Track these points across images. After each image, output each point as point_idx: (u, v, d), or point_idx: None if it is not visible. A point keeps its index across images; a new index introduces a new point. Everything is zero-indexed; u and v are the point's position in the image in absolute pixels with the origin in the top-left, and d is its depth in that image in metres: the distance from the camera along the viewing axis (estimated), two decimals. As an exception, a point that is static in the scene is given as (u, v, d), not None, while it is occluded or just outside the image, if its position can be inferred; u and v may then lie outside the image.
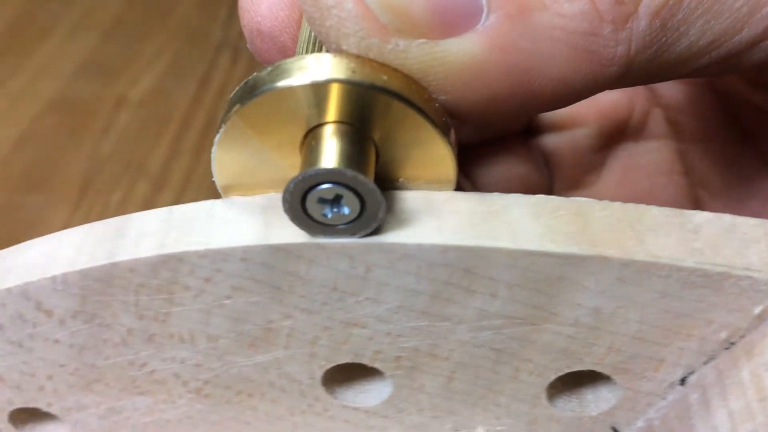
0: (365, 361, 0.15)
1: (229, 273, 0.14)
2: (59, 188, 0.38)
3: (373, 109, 0.14)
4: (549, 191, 0.14)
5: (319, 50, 0.15)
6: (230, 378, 0.16)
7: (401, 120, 0.14)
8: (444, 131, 0.14)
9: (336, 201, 0.13)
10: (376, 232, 0.13)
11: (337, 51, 0.14)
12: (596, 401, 0.17)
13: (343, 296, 0.14)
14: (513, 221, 0.14)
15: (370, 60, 0.14)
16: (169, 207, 0.15)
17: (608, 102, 0.23)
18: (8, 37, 0.48)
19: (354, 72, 0.13)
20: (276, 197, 0.14)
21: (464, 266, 0.14)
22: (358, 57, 0.14)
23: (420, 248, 0.13)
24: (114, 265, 0.14)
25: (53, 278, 0.14)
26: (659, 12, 0.14)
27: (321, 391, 0.16)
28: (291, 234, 0.13)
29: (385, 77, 0.13)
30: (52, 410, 0.17)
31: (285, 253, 0.14)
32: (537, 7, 0.14)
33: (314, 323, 0.15)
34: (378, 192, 0.13)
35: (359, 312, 0.14)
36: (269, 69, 0.14)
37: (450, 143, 0.14)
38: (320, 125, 0.14)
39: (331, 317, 0.15)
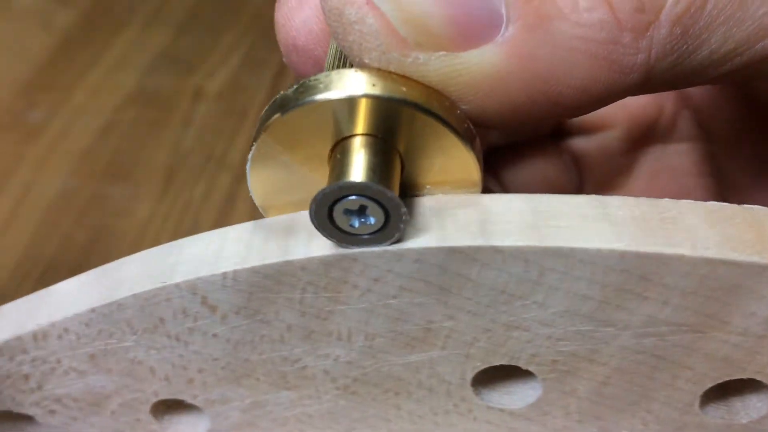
0: (521, 363, 0.15)
1: (400, 273, 0.14)
2: (144, 179, 0.39)
3: (395, 121, 0.14)
4: (577, 193, 0.14)
5: (344, 63, 0.15)
6: (380, 376, 0.16)
7: (423, 129, 0.14)
8: (466, 138, 0.14)
9: (361, 211, 0.14)
10: (398, 242, 0.14)
11: (361, 65, 0.14)
12: (745, 409, 0.16)
13: (510, 299, 0.14)
14: (690, 228, 0.14)
15: (391, 73, 0.14)
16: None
17: (637, 105, 0.23)
18: (85, 28, 0.49)
19: (374, 86, 0.14)
20: (446, 200, 0.14)
21: (640, 273, 0.14)
22: (378, 71, 0.14)
23: (599, 254, 0.13)
24: (288, 263, 0.14)
25: (224, 275, 0.15)
26: (680, 19, 0.14)
27: (469, 392, 0.16)
28: (469, 237, 0.13)
29: (404, 89, 0.14)
30: (196, 402, 0.18)
31: (461, 255, 0.14)
32: (556, 17, 0.14)
33: (476, 325, 0.15)
34: (401, 204, 0.13)
35: (523, 315, 0.14)
36: (294, 87, 0.14)
37: (472, 149, 0.14)
38: (345, 138, 0.14)
39: (494, 320, 0.15)
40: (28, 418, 0.19)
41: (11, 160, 0.40)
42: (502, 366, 0.16)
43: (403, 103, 0.14)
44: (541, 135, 0.24)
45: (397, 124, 0.14)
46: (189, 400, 0.18)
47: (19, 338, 0.17)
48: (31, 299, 0.18)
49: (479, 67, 0.14)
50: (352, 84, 0.14)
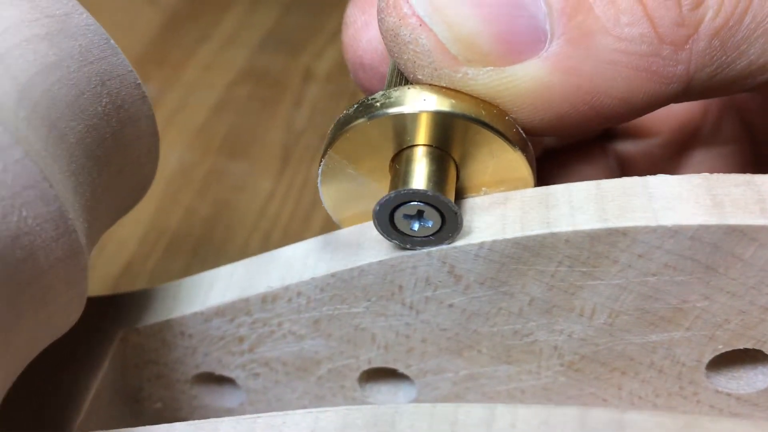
0: (765, 348, 0.15)
1: (669, 250, 0.14)
2: (260, 157, 0.39)
3: (448, 131, 0.15)
4: None
5: (403, 79, 0.17)
6: (611, 355, 0.16)
7: (474, 137, 0.15)
8: (514, 141, 0.15)
9: (420, 215, 0.15)
10: (452, 242, 0.15)
11: (415, 81, 0.15)
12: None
13: (778, 281, 0.14)
14: None
15: (442, 88, 0.15)
16: (595, 181, 0.15)
17: (682, 110, 0.23)
18: (192, 4, 0.49)
19: (425, 101, 0.15)
20: (717, 179, 0.14)
21: None
22: (431, 86, 0.15)
23: None
24: (553, 235, 0.14)
25: (481, 245, 0.15)
26: (719, 32, 0.14)
27: (700, 375, 0.16)
28: (749, 216, 0.13)
29: (454, 101, 0.15)
30: (408, 372, 0.18)
31: (739, 234, 0.13)
32: (598, 32, 0.14)
33: (731, 306, 0.15)
34: (456, 209, 0.15)
35: (785, 298, 0.14)
36: (355, 106, 0.16)
37: (522, 150, 0.15)
38: (403, 150, 0.16)
39: (753, 302, 0.15)
40: (228, 381, 0.20)
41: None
42: (733, 350, 0.16)
43: (453, 115, 0.15)
44: (590, 139, 0.24)
45: (449, 134, 0.15)
46: (401, 369, 0.18)
47: (245, 300, 0.17)
48: (255, 262, 0.18)
49: (525, 81, 0.15)
50: (405, 101, 0.15)
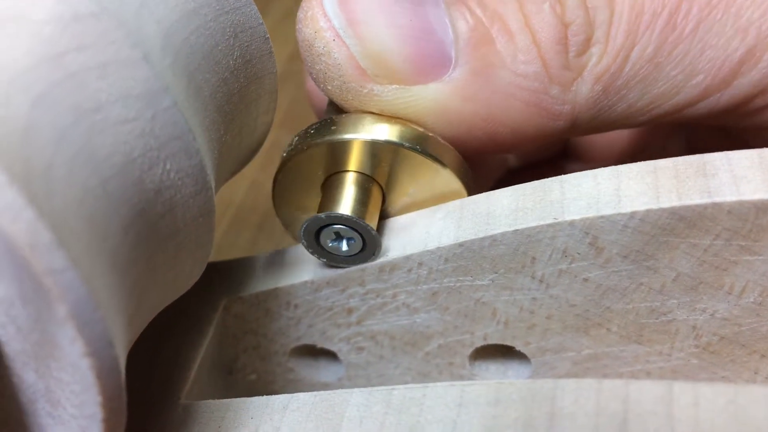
0: None
1: None
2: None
3: (374, 158, 0.16)
4: None
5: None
6: (753, 336, 0.15)
7: (404, 160, 0.16)
8: (442, 159, 0.16)
9: (343, 237, 0.16)
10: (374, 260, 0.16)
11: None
12: None
13: None
14: None
15: (370, 115, 0.16)
16: (756, 150, 0.14)
17: (629, 132, 0.24)
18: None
19: (355, 130, 0.16)
20: None
21: None
22: (361, 115, 0.16)
23: None
24: (715, 205, 0.13)
25: (632, 215, 0.14)
26: (601, 78, 0.16)
27: None
28: None
29: (378, 129, 0.16)
30: (526, 350, 0.17)
31: None
32: (498, 65, 0.15)
33: None
34: (374, 233, 0.16)
35: None
36: (297, 136, 0.17)
37: (450, 167, 0.16)
38: (332, 175, 0.17)
39: None
40: (326, 354, 0.19)
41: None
42: None
43: (376, 143, 0.16)
44: (548, 158, 0.25)
45: (375, 160, 0.16)
46: (519, 347, 0.17)
47: (361, 269, 0.16)
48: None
49: (427, 102, 0.16)
50: (337, 130, 0.16)
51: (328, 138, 0.16)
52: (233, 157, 0.16)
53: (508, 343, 0.17)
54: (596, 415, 0.11)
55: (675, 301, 0.15)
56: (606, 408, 0.11)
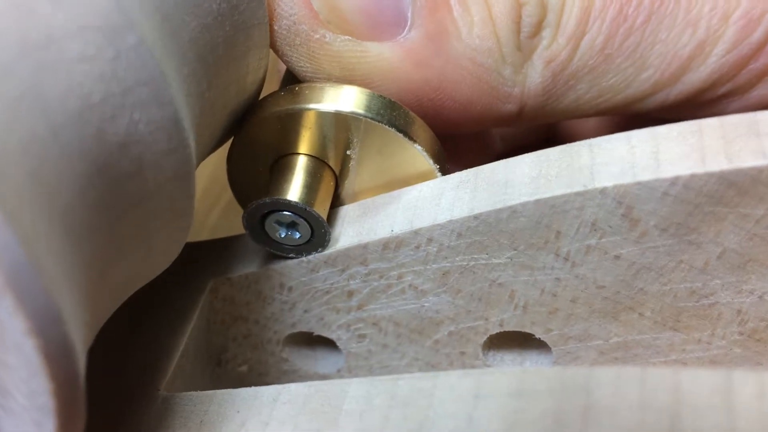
0: None
1: None
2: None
3: (330, 134, 0.15)
4: None
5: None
6: (807, 322, 0.14)
7: (365, 135, 0.15)
8: (408, 133, 0.15)
9: (291, 225, 0.15)
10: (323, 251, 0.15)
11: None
12: None
13: None
14: None
15: (324, 87, 0.15)
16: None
17: (613, 121, 0.22)
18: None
19: (307, 100, 0.15)
20: None
21: None
22: (312, 86, 0.15)
23: None
24: (774, 168, 0.11)
25: (674, 179, 0.12)
26: (550, 63, 0.15)
27: None
28: None
29: (332, 98, 0.15)
30: (547, 338, 0.15)
31: None
32: (454, 35, 0.15)
33: None
34: (324, 223, 0.15)
35: None
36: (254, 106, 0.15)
37: (420, 143, 0.15)
38: (281, 157, 0.16)
39: None
40: (324, 343, 0.17)
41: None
42: None
43: (335, 114, 0.15)
44: (535, 143, 0.23)
45: (329, 138, 0.15)
46: (539, 334, 0.15)
47: (364, 246, 0.15)
48: (373, 203, 0.15)
49: (377, 60, 0.15)
50: (286, 101, 0.15)
51: (271, 111, 0.15)
52: (219, 121, 0.14)
53: (527, 330, 0.15)
54: (641, 409, 0.09)
55: (719, 281, 0.13)
56: (653, 400, 0.09)
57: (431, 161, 0.15)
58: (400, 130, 0.15)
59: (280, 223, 0.15)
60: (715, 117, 0.13)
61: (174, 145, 0.11)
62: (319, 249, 0.15)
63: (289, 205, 0.15)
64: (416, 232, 0.14)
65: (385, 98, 0.15)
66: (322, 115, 0.15)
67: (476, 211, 0.13)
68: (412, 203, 0.15)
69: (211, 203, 0.33)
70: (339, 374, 0.18)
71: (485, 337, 0.16)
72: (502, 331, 0.15)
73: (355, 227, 0.15)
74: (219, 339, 0.17)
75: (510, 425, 0.10)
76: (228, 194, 0.34)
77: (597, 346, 0.15)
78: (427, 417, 0.11)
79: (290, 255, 0.15)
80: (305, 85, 0.15)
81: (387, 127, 0.15)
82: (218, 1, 0.13)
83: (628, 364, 0.15)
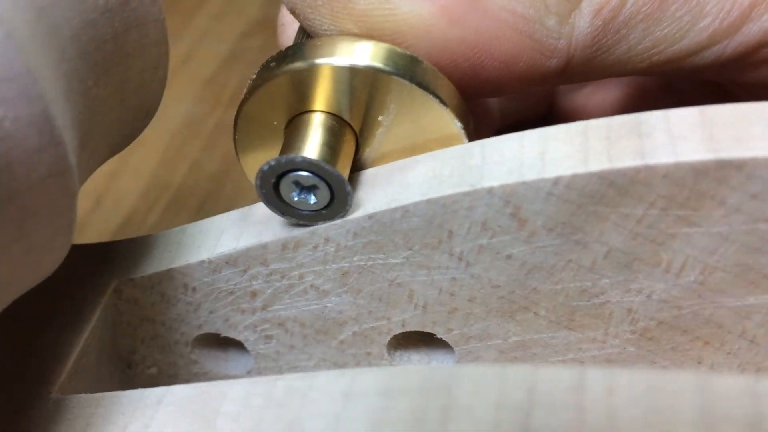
0: None
1: (792, 190, 0.11)
2: (272, 112, 0.36)
3: (349, 91, 0.14)
4: None
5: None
6: (695, 321, 0.14)
7: (388, 95, 0.14)
8: (431, 91, 0.14)
9: (308, 188, 0.14)
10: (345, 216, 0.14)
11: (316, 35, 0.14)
12: None
13: None
14: None
15: (341, 40, 0.14)
16: (698, 107, 0.12)
17: (616, 98, 0.22)
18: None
19: (323, 55, 0.14)
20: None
21: None
22: (330, 39, 0.14)
23: None
24: (648, 168, 0.12)
25: (556, 180, 0.12)
26: (601, 11, 0.14)
27: (800, 347, 0.14)
28: None
29: (354, 52, 0.14)
30: (448, 337, 0.15)
31: None
32: None
33: None
34: (346, 183, 0.13)
35: None
36: (258, 71, 0.15)
37: (448, 105, 0.14)
38: (295, 116, 0.14)
39: None
40: (234, 345, 0.17)
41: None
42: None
43: (352, 69, 0.13)
44: (533, 120, 0.23)
45: (349, 96, 0.14)
46: (440, 334, 0.15)
47: (263, 246, 0.15)
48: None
49: (408, 17, 0.14)
50: (301, 56, 0.14)
51: (287, 67, 0.14)
52: (117, 116, 0.14)
53: (428, 329, 0.15)
54: (497, 408, 0.09)
55: (607, 280, 0.13)
56: (509, 399, 0.09)
57: (457, 122, 0.14)
58: (423, 87, 0.14)
59: (297, 185, 0.14)
60: (604, 118, 0.13)
61: (45, 142, 0.11)
62: (341, 214, 0.14)
63: (308, 163, 0.13)
64: (313, 232, 0.14)
65: (405, 52, 0.14)
66: (336, 70, 0.14)
67: (370, 211, 0.13)
68: None
69: (151, 204, 0.33)
70: (249, 376, 0.17)
71: (389, 337, 0.16)
72: (404, 331, 0.15)
73: (256, 226, 0.15)
74: (127, 341, 0.17)
75: (374, 425, 0.10)
76: (168, 195, 0.34)
77: (497, 345, 0.15)
78: (298, 417, 0.11)
79: (308, 222, 0.14)
80: (317, 39, 0.14)
81: (409, 83, 0.13)
82: (105, -5, 0.12)
83: (527, 364, 0.15)
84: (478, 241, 0.13)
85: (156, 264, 0.16)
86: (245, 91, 0.15)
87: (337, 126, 0.14)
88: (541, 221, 0.13)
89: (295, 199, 0.14)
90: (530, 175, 0.12)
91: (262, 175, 0.14)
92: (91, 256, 0.17)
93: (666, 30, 0.14)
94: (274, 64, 0.14)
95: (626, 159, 0.12)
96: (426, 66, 0.14)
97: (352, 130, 0.15)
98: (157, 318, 0.17)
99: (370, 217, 0.13)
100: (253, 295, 0.15)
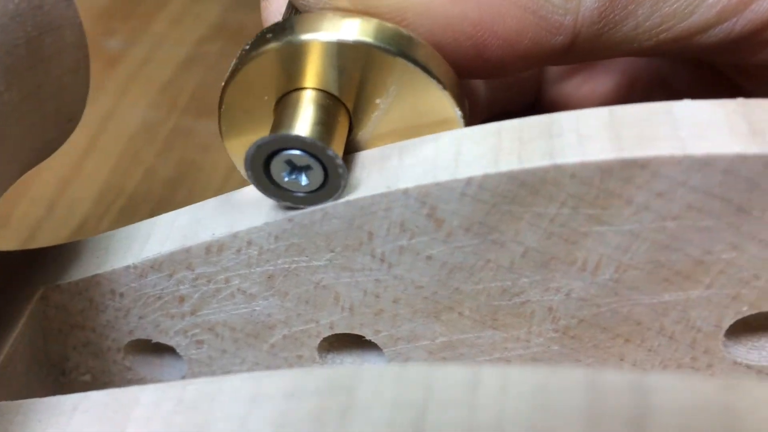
0: (799, 311, 0.13)
1: (695, 187, 0.12)
2: (229, 116, 0.36)
3: (343, 67, 0.13)
4: None
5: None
6: (614, 318, 0.14)
7: (383, 73, 0.13)
8: (436, 76, 0.13)
9: (300, 168, 0.13)
10: (338, 199, 0.13)
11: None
12: None
13: (823, 229, 0.12)
14: None
15: (335, 15, 0.13)
16: (608, 107, 0.12)
17: (608, 86, 0.22)
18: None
19: (316, 29, 0.13)
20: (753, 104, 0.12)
21: None
22: (322, 13, 0.13)
23: None
24: (557, 167, 0.12)
25: (469, 180, 0.12)
26: None
27: (717, 342, 0.14)
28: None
29: (348, 27, 0.13)
30: (377, 339, 0.15)
31: (786, 167, 0.11)
32: None
33: (763, 258, 0.12)
34: (339, 162, 0.13)
35: (831, 250, 0.12)
36: (250, 43, 0.14)
37: (446, 88, 0.13)
38: (286, 94, 0.14)
39: (790, 254, 0.12)
40: (168, 350, 0.17)
41: (90, 88, 0.37)
42: (758, 314, 0.14)
43: (347, 45, 0.13)
44: (517, 111, 0.22)
45: (342, 72, 0.13)
46: (369, 335, 0.15)
47: (187, 250, 0.14)
48: (203, 207, 0.15)
49: None
50: (292, 31, 0.13)
51: (276, 43, 0.13)
52: (33, 122, 0.14)
53: (357, 331, 0.15)
54: (394, 407, 0.09)
55: (527, 279, 0.13)
56: (406, 398, 0.09)
57: (456, 108, 0.13)
58: (424, 69, 0.13)
59: (289, 165, 0.13)
60: (518, 119, 0.13)
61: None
62: (335, 195, 0.13)
63: (301, 141, 0.13)
64: (235, 236, 0.14)
65: (395, 27, 0.13)
66: (324, 47, 0.13)
67: (290, 214, 0.13)
68: (237, 205, 0.14)
69: (104, 210, 0.32)
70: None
71: (319, 340, 0.15)
72: (333, 333, 0.15)
73: (181, 231, 0.15)
74: (58, 348, 0.17)
75: (277, 427, 0.10)
76: (121, 201, 0.34)
77: (425, 346, 0.15)
78: (206, 420, 0.11)
79: (300, 205, 0.13)
80: (309, 14, 0.14)
81: (412, 65, 0.13)
82: (15, 1, 0.12)
83: (425, 363, 0.15)
84: (398, 242, 0.13)
85: (83, 270, 0.16)
86: (231, 68, 0.14)
87: (330, 104, 0.14)
88: (457, 221, 0.13)
89: (286, 180, 0.13)
90: (443, 176, 0.12)
91: (252, 154, 0.13)
92: (18, 263, 0.17)
93: (675, 5, 0.14)
94: (260, 38, 0.13)
95: (536, 159, 0.12)
96: (424, 45, 0.13)
97: (346, 111, 0.14)
98: (87, 324, 0.16)
99: (290, 219, 0.13)
100: (181, 299, 0.15)
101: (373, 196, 0.13)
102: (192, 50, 0.40)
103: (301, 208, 0.13)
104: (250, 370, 0.16)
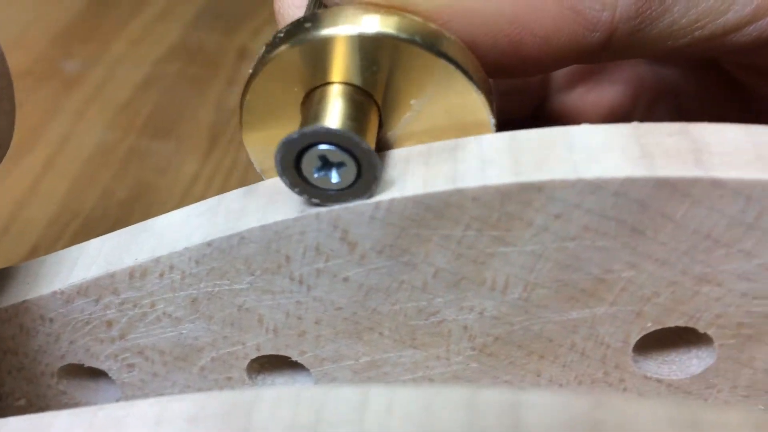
0: (699, 325, 0.13)
1: (590, 209, 0.12)
2: (187, 137, 0.36)
3: (375, 61, 0.13)
4: None
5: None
6: (527, 336, 0.14)
7: (410, 65, 0.13)
8: (471, 75, 0.13)
9: (333, 163, 0.13)
10: (371, 196, 0.13)
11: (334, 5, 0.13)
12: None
13: (713, 246, 0.12)
14: None
15: (364, 8, 0.13)
16: (511, 132, 0.13)
17: (612, 95, 0.22)
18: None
19: (344, 23, 0.13)
20: (648, 128, 0.12)
21: None
22: (350, 7, 0.13)
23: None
24: (459, 191, 0.12)
25: (377, 205, 0.12)
26: None
27: (627, 358, 0.14)
28: (683, 167, 0.11)
29: (381, 21, 0.13)
30: (303, 360, 0.16)
31: (671, 189, 0.12)
32: None
33: (661, 277, 0.13)
34: (371, 151, 0.12)
35: (722, 267, 0.12)
36: (269, 43, 0.13)
37: (480, 89, 0.13)
38: (315, 89, 0.13)
39: (686, 271, 0.13)
40: (100, 374, 0.17)
41: (47, 110, 0.37)
42: (663, 330, 0.14)
43: (380, 37, 0.13)
44: (521, 118, 0.23)
45: (374, 67, 0.13)
46: (295, 356, 0.15)
47: (111, 276, 0.15)
48: (129, 232, 0.15)
49: None
50: (320, 26, 0.13)
51: (300, 38, 0.13)
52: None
53: (282, 352, 0.15)
54: (289, 429, 0.10)
55: (440, 299, 0.14)
56: (300, 419, 0.10)
57: (489, 113, 0.13)
58: (449, 59, 0.13)
59: (321, 160, 0.12)
60: (426, 144, 0.13)
61: None
62: (368, 192, 0.13)
63: (328, 134, 0.12)
64: (157, 260, 0.14)
65: (420, 20, 0.13)
66: (350, 41, 0.13)
67: (209, 238, 0.14)
68: (159, 231, 0.15)
69: (60, 231, 0.32)
70: (120, 404, 0.17)
71: (247, 362, 0.16)
72: (260, 354, 0.16)
73: (106, 256, 0.15)
74: (-8, 373, 0.17)
75: (177, 450, 0.10)
76: (76, 223, 0.34)
77: (350, 365, 0.15)
78: (111, 446, 0.11)
79: (332, 203, 0.13)
80: (337, 8, 0.13)
81: (452, 66, 0.13)
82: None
83: (379, 383, 0.16)
84: (315, 265, 0.14)
85: (13, 296, 0.16)
86: (254, 63, 0.14)
87: (362, 100, 0.13)
88: (369, 244, 0.13)
89: (315, 176, 0.13)
90: (352, 202, 0.13)
91: (283, 148, 0.12)
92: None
93: (711, 1, 0.14)
94: (283, 35, 0.13)
95: (439, 183, 0.12)
96: (445, 36, 0.13)
97: (376, 108, 0.14)
98: (19, 350, 0.17)
99: (209, 244, 0.14)
100: (109, 324, 0.16)
101: (285, 221, 0.13)
102: (150, 71, 0.40)
103: (326, 205, 0.13)
104: (182, 392, 0.17)
